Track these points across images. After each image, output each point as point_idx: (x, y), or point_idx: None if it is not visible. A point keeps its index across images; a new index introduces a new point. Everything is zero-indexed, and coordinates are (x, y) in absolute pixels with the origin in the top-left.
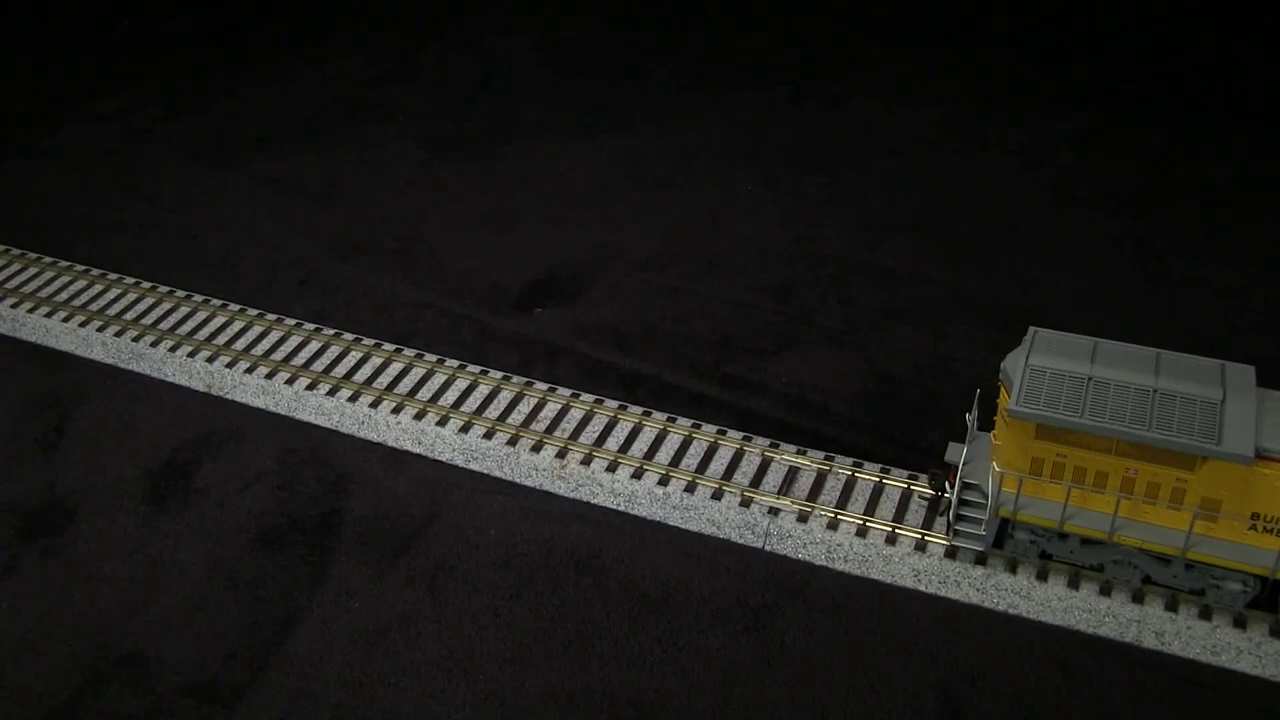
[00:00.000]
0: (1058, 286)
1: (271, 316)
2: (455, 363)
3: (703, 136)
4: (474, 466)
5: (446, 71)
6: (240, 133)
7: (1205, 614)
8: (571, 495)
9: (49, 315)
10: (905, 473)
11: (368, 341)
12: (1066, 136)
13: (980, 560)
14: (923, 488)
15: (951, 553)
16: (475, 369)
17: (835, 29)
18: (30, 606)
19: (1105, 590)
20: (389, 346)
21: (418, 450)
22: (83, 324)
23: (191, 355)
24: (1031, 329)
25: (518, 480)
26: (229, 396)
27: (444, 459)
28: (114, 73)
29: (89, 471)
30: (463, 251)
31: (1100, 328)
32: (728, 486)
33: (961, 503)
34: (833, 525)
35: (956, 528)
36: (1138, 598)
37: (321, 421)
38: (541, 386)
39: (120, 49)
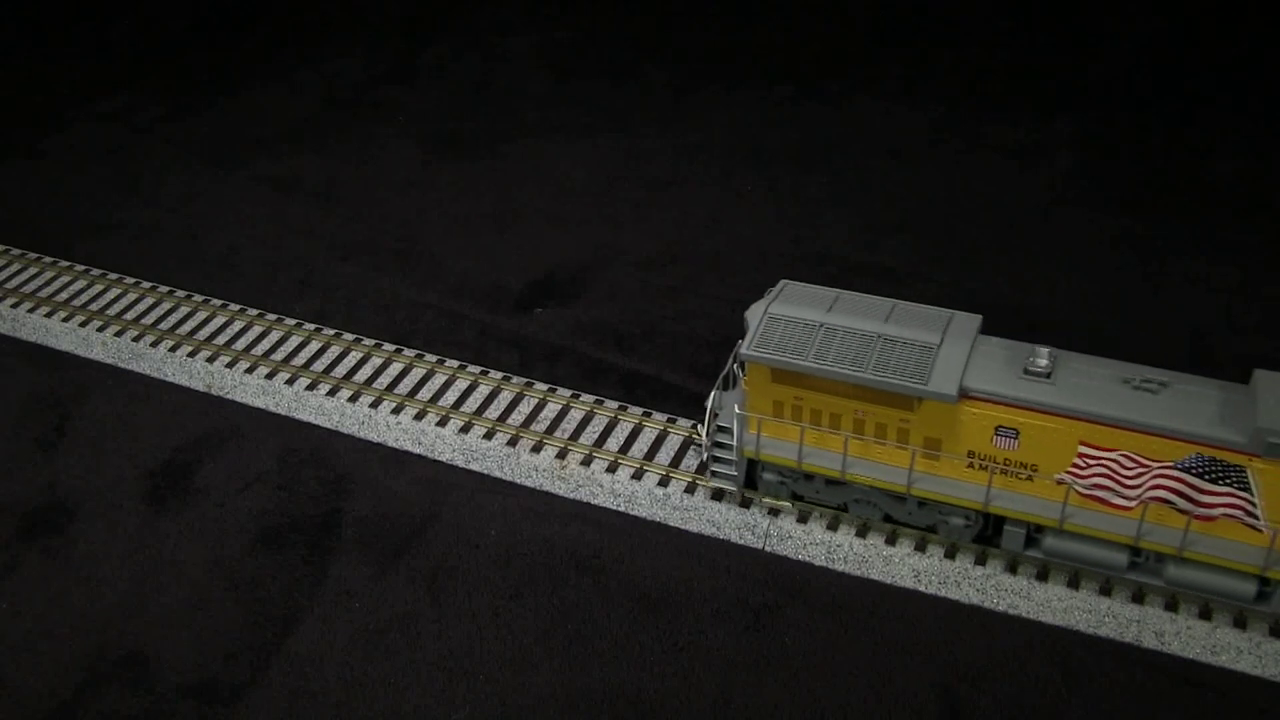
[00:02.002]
0: (1058, 286)
1: (271, 316)
2: (455, 363)
3: (703, 136)
4: (474, 467)
5: (446, 71)
6: (240, 133)
7: (1205, 614)
8: (571, 496)
9: (49, 315)
10: None
11: (368, 342)
12: (1066, 137)
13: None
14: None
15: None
16: (475, 369)
17: (835, 29)
18: (30, 606)
19: (1105, 590)
20: (389, 347)
21: (418, 451)
22: (83, 324)
23: (191, 355)
24: (782, 281)
25: (518, 481)
26: (229, 396)
27: (444, 459)
28: (114, 73)
29: (89, 471)
30: (463, 251)
31: (1100, 327)
32: (723, 489)
33: (715, 445)
34: (833, 526)
35: (712, 469)
36: (1138, 598)
37: (322, 422)
38: (541, 387)
39: (120, 49)
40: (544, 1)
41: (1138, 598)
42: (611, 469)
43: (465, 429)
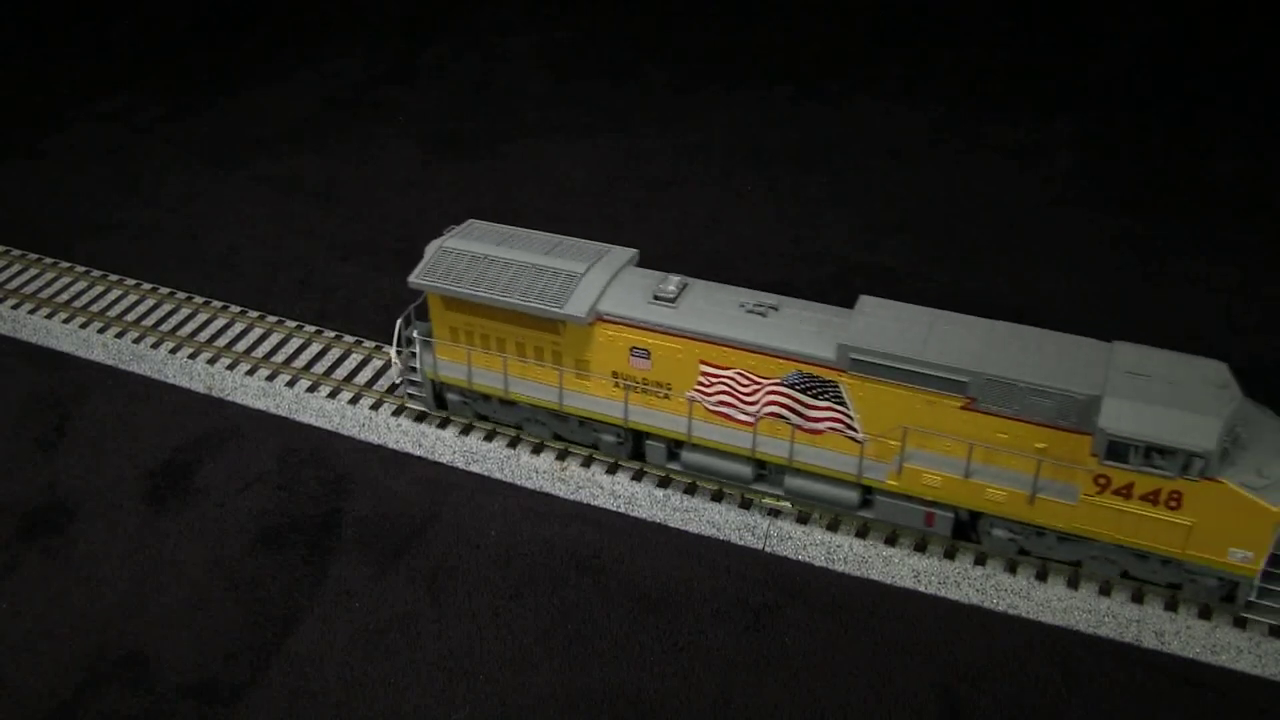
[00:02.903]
0: (1057, 286)
1: (272, 318)
2: None
3: (703, 136)
4: (475, 468)
5: (446, 71)
6: (240, 133)
7: (1205, 614)
8: (572, 497)
9: (49, 316)
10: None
11: (368, 344)
12: (1066, 137)
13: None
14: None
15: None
16: None
17: (835, 29)
18: (30, 606)
19: (1105, 590)
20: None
21: (418, 452)
22: (83, 325)
23: (192, 357)
24: (470, 220)
25: (518, 482)
26: (229, 398)
27: (444, 461)
28: (114, 73)
29: (89, 471)
30: None
31: (1100, 327)
32: (728, 489)
33: (409, 369)
34: (832, 526)
35: (408, 391)
36: (1137, 598)
37: (322, 423)
38: None
39: (120, 49)
40: (544, 1)
41: (1138, 598)
42: (611, 470)
43: (466, 431)
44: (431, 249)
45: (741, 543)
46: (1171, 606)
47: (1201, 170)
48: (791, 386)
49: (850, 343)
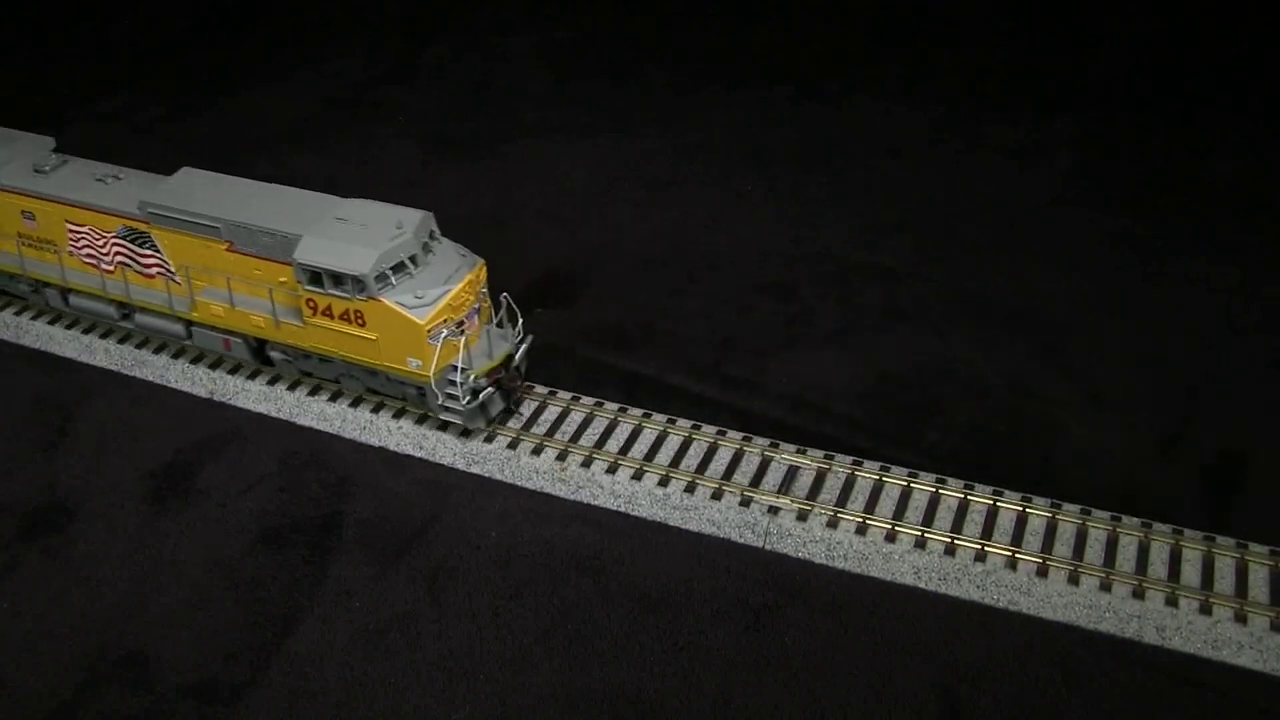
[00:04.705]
0: (1057, 286)
1: None
2: None
3: (703, 136)
4: (475, 470)
5: (446, 71)
6: (240, 133)
7: (1206, 609)
8: (572, 497)
9: (52, 322)
10: (905, 470)
11: None
12: (1066, 137)
13: None
14: None
15: None
16: None
17: (835, 29)
18: (30, 606)
19: (1106, 586)
20: None
21: (419, 455)
22: (85, 331)
23: (194, 363)
24: None
25: (518, 483)
26: (231, 402)
27: (445, 463)
28: (114, 73)
29: (90, 472)
30: None
31: (1100, 327)
32: (727, 487)
33: None
34: (832, 524)
35: None
36: (1138, 594)
37: (323, 427)
38: (542, 390)
39: (120, 49)
40: (544, 1)
41: (1139, 594)
42: (611, 470)
43: (466, 433)
44: None
45: (742, 540)
46: (1172, 601)
47: (1201, 170)
48: (124, 239)
49: (147, 199)
